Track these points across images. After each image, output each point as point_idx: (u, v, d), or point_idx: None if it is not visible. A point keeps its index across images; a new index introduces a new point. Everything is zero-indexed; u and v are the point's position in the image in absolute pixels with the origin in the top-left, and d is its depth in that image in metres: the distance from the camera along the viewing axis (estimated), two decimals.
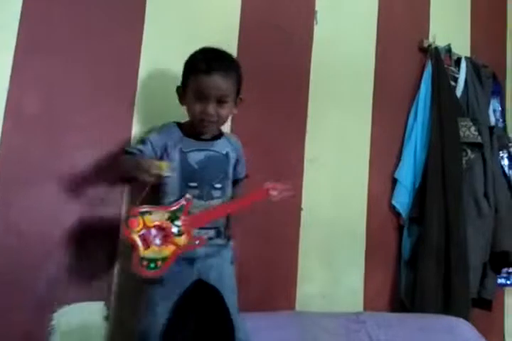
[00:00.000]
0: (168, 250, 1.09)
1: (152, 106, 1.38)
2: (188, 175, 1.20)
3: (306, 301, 1.63)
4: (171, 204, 1.15)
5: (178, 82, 1.27)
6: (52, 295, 1.20)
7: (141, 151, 1.19)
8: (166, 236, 1.10)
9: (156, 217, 1.10)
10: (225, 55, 1.25)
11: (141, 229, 1.07)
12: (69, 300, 1.21)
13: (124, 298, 1.28)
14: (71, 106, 1.28)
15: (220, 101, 1.20)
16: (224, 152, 1.27)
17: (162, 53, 1.42)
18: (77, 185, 1.26)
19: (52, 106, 1.25)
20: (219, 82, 1.18)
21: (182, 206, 1.14)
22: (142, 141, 1.23)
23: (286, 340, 1.35)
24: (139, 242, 1.06)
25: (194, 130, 1.24)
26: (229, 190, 1.27)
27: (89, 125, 1.29)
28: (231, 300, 1.21)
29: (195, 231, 1.14)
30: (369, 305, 1.78)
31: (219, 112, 1.21)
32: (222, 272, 1.20)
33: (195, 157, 1.22)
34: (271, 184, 1.26)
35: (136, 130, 1.35)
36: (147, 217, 1.09)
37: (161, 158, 1.19)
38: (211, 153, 1.25)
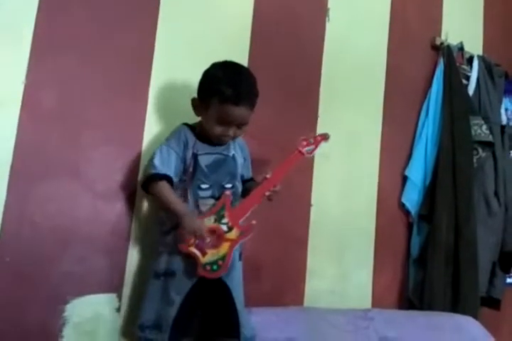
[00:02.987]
0: (224, 248, 1.18)
1: (165, 104, 1.40)
2: (199, 178, 1.24)
3: (314, 297, 1.64)
4: (211, 207, 1.22)
5: (192, 80, 1.28)
6: (65, 287, 1.22)
7: (169, 178, 1.21)
8: (218, 236, 1.18)
9: (205, 223, 1.18)
10: (252, 84, 1.26)
11: (196, 240, 1.16)
12: (82, 292, 1.23)
13: (136, 290, 1.29)
14: (86, 103, 1.30)
15: (240, 126, 1.26)
16: (231, 154, 1.31)
17: (175, 52, 1.44)
18: (91, 179, 1.28)
19: (68, 102, 1.27)
20: (245, 113, 1.23)
21: (223, 204, 1.22)
22: (166, 152, 1.23)
23: (295, 335, 1.36)
24: (197, 252, 1.16)
25: (205, 134, 1.27)
26: (239, 189, 1.31)
27: (104, 122, 1.31)
28: (238, 295, 1.23)
29: (242, 220, 1.21)
30: (377, 301, 1.78)
31: (237, 133, 1.27)
32: (232, 267, 1.21)
33: (206, 160, 1.26)
34: (300, 143, 1.32)
35: (148, 128, 1.37)
36: None
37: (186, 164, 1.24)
38: (220, 156, 1.29)
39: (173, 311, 1.15)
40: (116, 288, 1.28)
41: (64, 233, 1.23)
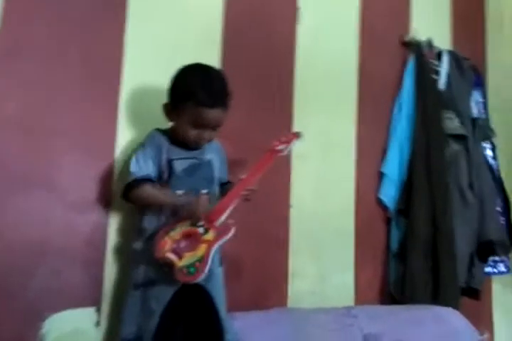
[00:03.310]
0: (201, 249, 1.14)
1: (136, 109, 1.38)
2: (174, 183, 1.22)
3: (298, 298, 1.64)
4: None
5: (163, 85, 1.26)
6: (41, 303, 1.19)
7: (150, 178, 1.20)
8: (195, 239, 1.15)
9: (180, 228, 1.16)
10: (224, 85, 1.25)
11: (171, 246, 1.13)
12: (59, 307, 1.20)
13: (116, 303, 1.27)
14: (53, 110, 1.26)
15: (215, 128, 1.24)
16: (207, 158, 1.30)
17: (145, 56, 1.41)
18: (64, 190, 1.24)
19: (34, 110, 1.24)
20: (220, 115, 1.23)
21: None
22: (142, 159, 1.21)
23: (279, 338, 1.36)
24: (173, 257, 1.13)
25: (180, 139, 1.26)
26: (217, 193, 1.30)
27: (73, 130, 1.28)
28: (220, 301, 1.22)
29: (219, 222, 1.18)
30: (360, 298, 1.80)
31: (212, 136, 1.26)
32: (212, 273, 1.20)
33: (181, 165, 1.24)
34: (273, 142, 1.32)
35: (120, 135, 1.34)
36: (172, 233, 1.15)
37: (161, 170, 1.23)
38: (195, 160, 1.27)
39: (154, 322, 1.13)
40: (95, 302, 1.25)
41: (38, 247, 1.20)
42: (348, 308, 1.60)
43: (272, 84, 1.70)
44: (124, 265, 1.29)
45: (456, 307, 1.79)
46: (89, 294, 1.25)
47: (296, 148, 1.59)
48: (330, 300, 1.70)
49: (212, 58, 1.51)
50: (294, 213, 1.69)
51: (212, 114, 1.20)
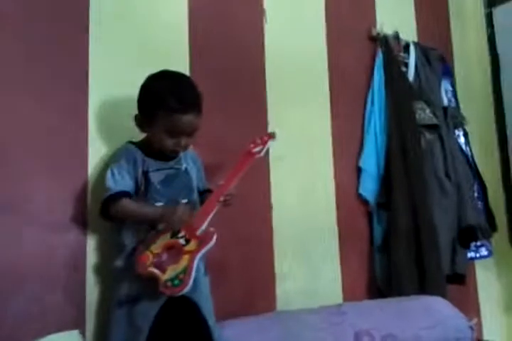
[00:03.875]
0: (184, 261, 1.12)
1: (106, 124, 1.34)
2: (152, 196, 1.20)
3: (286, 300, 1.64)
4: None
5: (132, 95, 1.23)
6: (21, 329, 1.14)
7: (128, 192, 1.18)
8: (177, 251, 1.14)
9: (161, 241, 1.14)
10: (193, 88, 1.24)
11: (153, 260, 1.11)
12: (41, 333, 1.15)
13: (100, 323, 1.24)
14: (22, 134, 1.22)
15: (191, 134, 1.23)
16: (183, 168, 1.27)
17: (111, 68, 1.38)
18: (36, 212, 1.21)
19: (2, 134, 1.19)
20: (194, 120, 1.21)
21: None
22: (118, 173, 1.19)
23: None
24: (156, 271, 1.11)
25: (156, 149, 1.23)
26: (197, 203, 1.28)
27: (42, 150, 1.24)
28: (208, 311, 1.20)
29: (200, 231, 1.16)
30: (348, 295, 1.81)
31: (189, 142, 1.24)
32: (198, 283, 1.18)
33: (157, 177, 1.22)
34: (248, 145, 1.31)
35: (92, 151, 1.31)
36: (153, 247, 1.13)
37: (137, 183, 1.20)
38: (171, 170, 1.25)
39: (142, 338, 1.11)
40: (79, 324, 1.21)
41: (14, 271, 1.15)
42: (337, 306, 1.60)
43: (244, 87, 1.68)
44: (105, 283, 1.26)
45: (443, 295, 1.81)
46: (71, 316, 1.21)
47: (273, 148, 1.60)
48: (319, 299, 1.69)
49: (181, 65, 1.48)
50: (275, 214, 1.68)
51: (186, 119, 1.19)
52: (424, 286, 1.88)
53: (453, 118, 2.25)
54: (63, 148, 1.27)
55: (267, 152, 1.37)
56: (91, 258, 1.26)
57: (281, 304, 1.62)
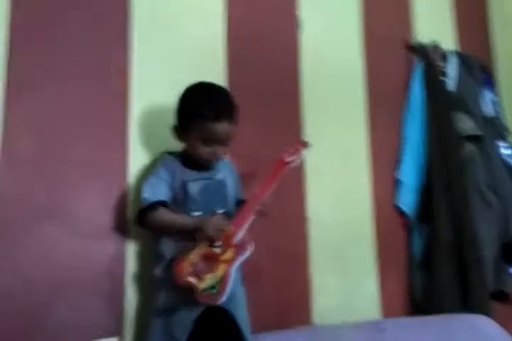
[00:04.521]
0: (221, 270, 1.13)
1: (146, 134, 1.37)
2: (190, 206, 1.21)
3: (323, 314, 1.60)
4: None
5: (171, 106, 1.25)
6: (62, 337, 1.17)
7: (164, 202, 1.19)
8: (214, 260, 1.14)
9: (197, 251, 1.14)
10: (228, 98, 1.26)
11: (190, 269, 1.12)
12: (82, 340, 1.18)
13: (138, 331, 1.25)
14: (64, 143, 1.26)
15: (225, 142, 1.24)
16: (220, 178, 1.28)
17: (151, 80, 1.41)
18: (78, 221, 1.24)
19: (45, 144, 1.24)
20: (227, 128, 1.22)
21: None
22: (155, 183, 1.21)
23: None
24: (193, 280, 1.11)
25: (191, 160, 1.25)
26: (233, 213, 1.27)
27: (84, 159, 1.28)
28: (244, 323, 1.19)
29: (236, 240, 1.17)
30: (387, 310, 1.75)
31: (224, 151, 1.26)
32: (234, 293, 1.18)
33: (195, 187, 1.23)
34: (281, 154, 1.30)
35: (132, 161, 1.33)
36: (190, 256, 1.14)
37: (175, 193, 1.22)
38: (209, 181, 1.26)
39: None
40: (117, 332, 1.23)
41: (56, 280, 1.18)
42: (377, 322, 1.55)
43: (279, 97, 1.68)
44: (144, 292, 1.27)
45: (487, 313, 1.73)
46: (110, 325, 1.23)
47: (309, 158, 1.60)
48: (357, 314, 1.65)
49: (218, 76, 1.50)
50: (311, 226, 1.66)
51: (219, 127, 1.20)
52: (466, 304, 1.80)
53: (496, 129, 2.18)
54: (104, 157, 1.31)
55: (301, 161, 1.36)
56: (130, 267, 1.28)
57: (317, 318, 1.59)
